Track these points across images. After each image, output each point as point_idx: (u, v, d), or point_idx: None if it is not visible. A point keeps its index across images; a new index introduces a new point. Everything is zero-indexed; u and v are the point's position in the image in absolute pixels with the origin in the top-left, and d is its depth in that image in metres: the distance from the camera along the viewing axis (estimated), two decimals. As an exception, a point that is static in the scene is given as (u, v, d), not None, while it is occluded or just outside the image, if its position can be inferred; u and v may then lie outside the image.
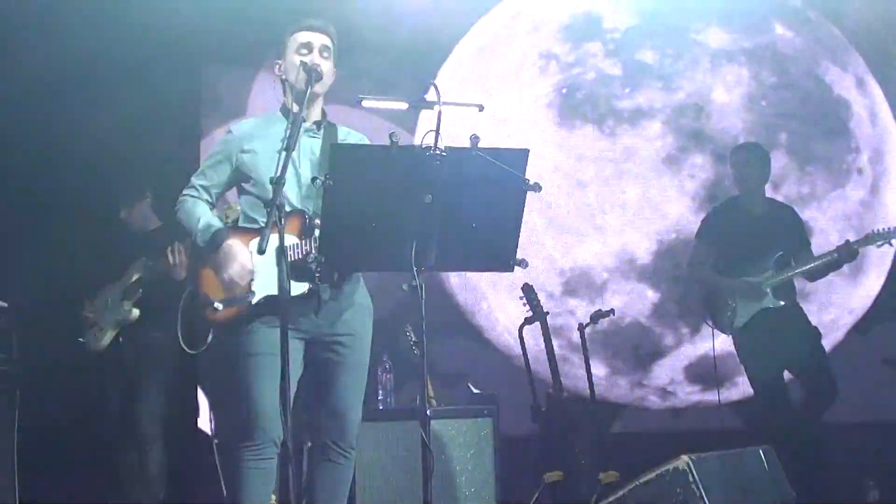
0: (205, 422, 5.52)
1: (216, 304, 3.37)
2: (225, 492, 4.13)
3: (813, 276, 5.24)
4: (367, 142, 3.62)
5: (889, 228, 5.01)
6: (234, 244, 3.33)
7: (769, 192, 5.46)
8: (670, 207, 6.40)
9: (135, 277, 4.93)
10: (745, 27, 6.48)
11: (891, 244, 5.03)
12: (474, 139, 2.90)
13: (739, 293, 5.13)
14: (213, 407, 5.16)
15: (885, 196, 6.35)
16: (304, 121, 3.41)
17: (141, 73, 5.72)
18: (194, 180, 3.54)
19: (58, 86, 5.56)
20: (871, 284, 6.39)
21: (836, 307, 6.30)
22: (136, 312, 4.92)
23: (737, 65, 6.48)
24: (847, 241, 5.05)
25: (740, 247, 5.17)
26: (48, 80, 5.49)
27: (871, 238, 5.02)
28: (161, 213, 5.19)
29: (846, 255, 5.01)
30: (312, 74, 3.33)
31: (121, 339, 4.98)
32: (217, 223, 3.44)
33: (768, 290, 5.10)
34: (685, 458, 3.60)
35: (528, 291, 5.30)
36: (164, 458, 4.94)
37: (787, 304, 5.15)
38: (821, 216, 5.68)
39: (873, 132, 6.49)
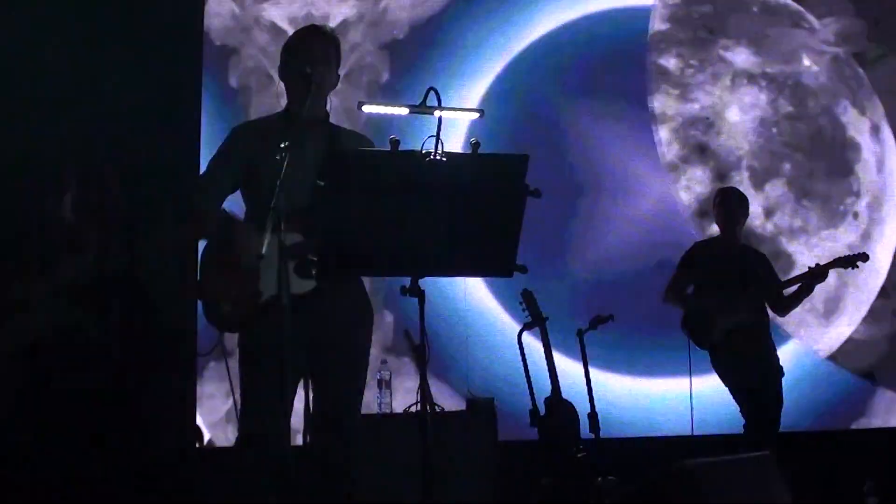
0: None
1: (223, 306, 3.38)
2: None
3: (784, 304, 5.55)
4: (369, 144, 3.64)
5: (855, 253, 5.42)
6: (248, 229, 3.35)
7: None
8: (659, 215, 6.46)
9: (68, 275, 4.76)
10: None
11: (856, 267, 5.39)
12: (474, 144, 2.91)
13: (716, 308, 5.37)
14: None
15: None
16: (306, 122, 3.43)
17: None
18: (200, 181, 3.56)
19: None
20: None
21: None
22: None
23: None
24: (817, 264, 5.40)
25: (717, 280, 5.45)
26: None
27: (839, 261, 5.38)
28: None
29: (816, 277, 5.36)
30: (314, 77, 3.34)
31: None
32: (226, 214, 3.46)
33: (744, 306, 5.37)
34: (684, 463, 3.60)
35: (528, 297, 5.32)
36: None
37: (761, 326, 5.45)
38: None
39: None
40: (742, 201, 5.63)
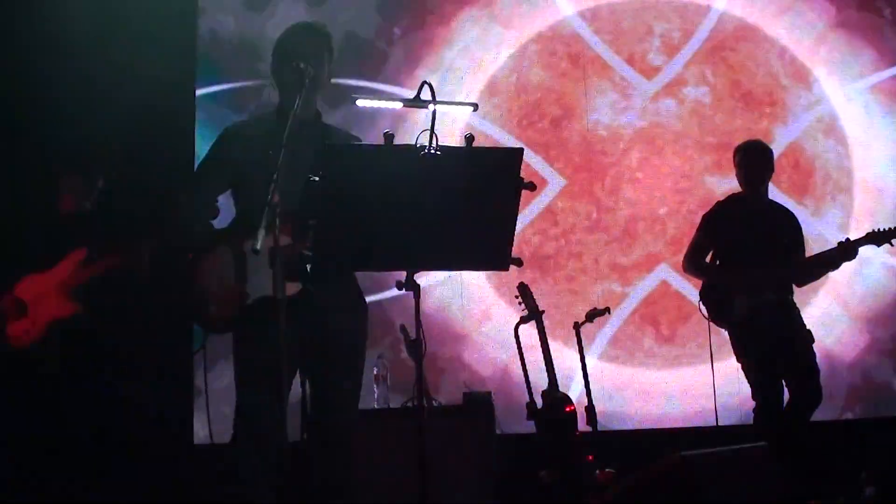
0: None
1: (211, 306, 3.38)
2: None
3: (806, 277, 5.30)
4: (360, 142, 3.64)
5: (890, 228, 5.03)
6: (221, 255, 3.35)
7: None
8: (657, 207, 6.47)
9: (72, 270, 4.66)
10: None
11: (891, 244, 5.04)
12: (468, 139, 2.91)
13: (741, 285, 5.14)
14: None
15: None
16: (298, 121, 3.42)
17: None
18: (190, 182, 3.55)
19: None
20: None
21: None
22: (75, 308, 4.64)
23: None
24: (847, 239, 5.07)
25: (742, 240, 5.19)
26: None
27: (872, 237, 5.05)
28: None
29: (845, 253, 5.04)
30: (305, 75, 3.33)
31: (50, 336, 4.63)
32: (210, 229, 3.45)
33: (768, 283, 5.12)
34: (681, 455, 3.60)
35: (524, 290, 5.31)
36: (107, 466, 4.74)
37: (786, 298, 5.19)
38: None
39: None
40: (762, 154, 5.30)
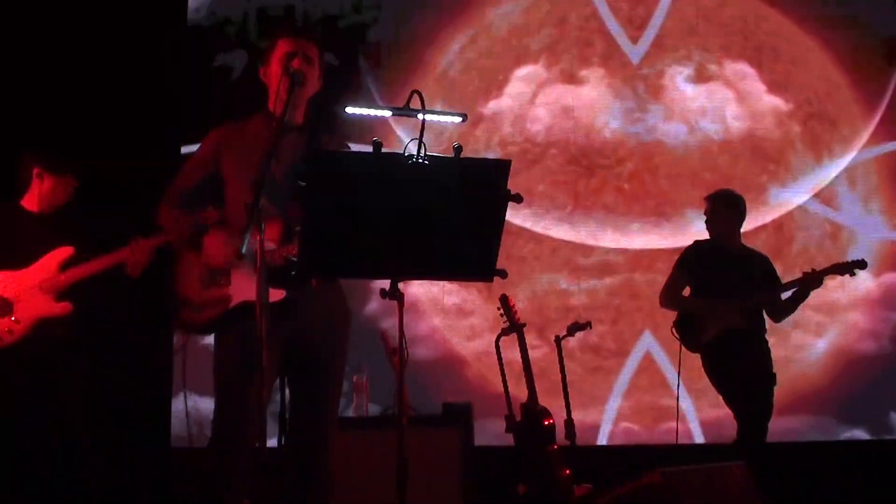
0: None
1: (192, 309, 3.36)
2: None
3: (780, 311, 5.42)
4: (347, 148, 3.63)
5: (853, 260, 5.25)
6: (217, 233, 3.37)
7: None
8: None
9: (57, 268, 4.60)
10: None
11: (853, 274, 5.28)
12: (457, 148, 2.90)
13: (710, 310, 5.27)
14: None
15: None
16: (287, 125, 3.41)
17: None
18: (176, 182, 3.54)
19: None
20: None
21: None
22: (68, 307, 4.58)
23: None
24: (812, 269, 5.25)
25: (717, 279, 5.32)
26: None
27: (837, 267, 5.26)
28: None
29: (812, 282, 5.22)
30: (295, 80, 3.32)
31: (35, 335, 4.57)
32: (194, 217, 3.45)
33: (738, 311, 5.23)
34: (659, 471, 3.60)
35: (505, 302, 5.31)
36: (97, 468, 4.66)
37: (755, 330, 5.30)
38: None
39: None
40: (733, 203, 5.46)
